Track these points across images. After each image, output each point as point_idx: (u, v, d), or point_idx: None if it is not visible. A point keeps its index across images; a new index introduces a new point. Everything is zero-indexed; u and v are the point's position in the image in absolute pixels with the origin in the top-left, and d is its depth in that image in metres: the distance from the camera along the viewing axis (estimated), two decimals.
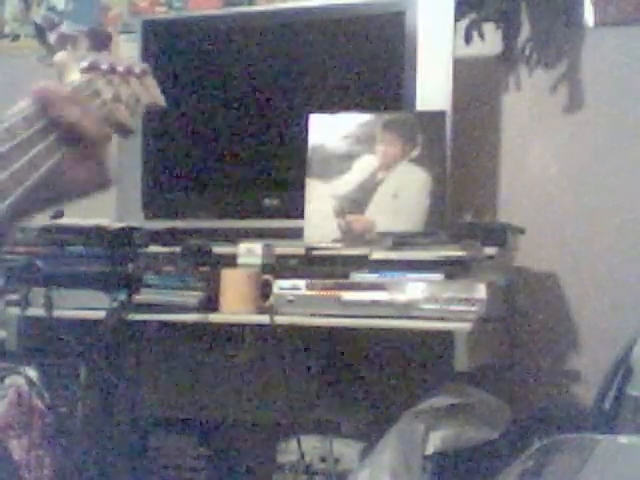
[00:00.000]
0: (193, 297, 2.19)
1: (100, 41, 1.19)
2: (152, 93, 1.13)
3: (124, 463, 2.45)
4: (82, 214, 2.29)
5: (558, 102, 2.44)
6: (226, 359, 2.57)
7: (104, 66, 1.07)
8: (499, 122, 2.48)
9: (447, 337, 1.94)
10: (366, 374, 2.49)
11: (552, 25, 2.42)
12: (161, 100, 1.15)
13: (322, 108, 2.34)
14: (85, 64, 1.06)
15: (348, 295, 2.05)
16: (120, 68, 1.08)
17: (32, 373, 2.32)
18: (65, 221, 2.26)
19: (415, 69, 2.29)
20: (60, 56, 1.07)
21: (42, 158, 0.95)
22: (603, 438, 1.77)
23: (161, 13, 2.84)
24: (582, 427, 1.99)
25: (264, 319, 2.09)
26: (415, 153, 2.24)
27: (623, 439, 1.79)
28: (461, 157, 2.36)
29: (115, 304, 2.17)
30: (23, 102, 0.97)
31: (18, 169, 0.91)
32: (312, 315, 2.08)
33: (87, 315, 2.22)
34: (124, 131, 1.08)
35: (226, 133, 2.51)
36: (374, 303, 2.03)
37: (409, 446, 2.02)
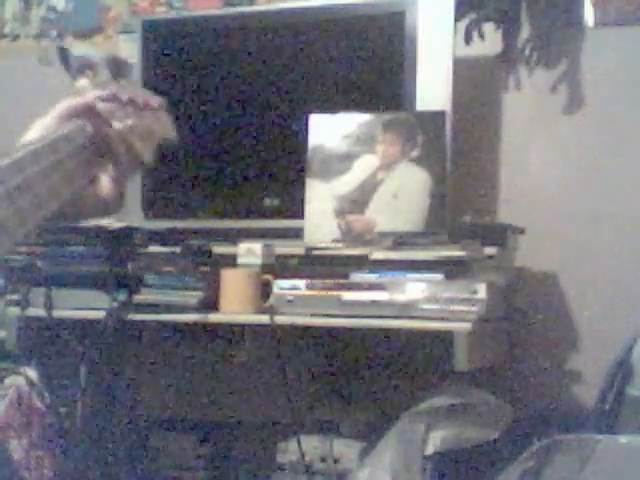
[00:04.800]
0: (193, 297, 2.19)
1: (120, 70, 1.21)
2: (165, 127, 1.15)
3: (124, 463, 2.45)
4: None
5: (558, 102, 2.44)
6: (226, 359, 2.56)
7: (124, 97, 1.08)
8: (499, 122, 2.48)
9: (447, 337, 1.94)
10: (366, 374, 2.49)
11: (552, 25, 2.42)
12: (174, 134, 1.17)
13: (322, 108, 2.34)
14: (106, 94, 1.08)
15: (348, 295, 2.05)
16: (139, 100, 1.10)
17: (32, 373, 2.32)
18: None
19: (415, 69, 2.29)
20: (82, 82, 1.09)
21: (78, 172, 0.98)
22: (603, 438, 1.77)
23: (161, 13, 2.84)
24: (582, 427, 1.99)
25: (264, 319, 2.09)
26: (415, 153, 2.24)
27: (623, 439, 1.79)
28: (461, 157, 2.36)
29: (115, 304, 2.17)
30: (70, 124, 1.00)
31: (56, 182, 0.93)
32: (312, 315, 2.08)
33: (87, 315, 2.22)
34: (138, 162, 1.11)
35: (226, 133, 2.50)
36: (374, 303, 2.03)
37: (409, 446, 2.02)
